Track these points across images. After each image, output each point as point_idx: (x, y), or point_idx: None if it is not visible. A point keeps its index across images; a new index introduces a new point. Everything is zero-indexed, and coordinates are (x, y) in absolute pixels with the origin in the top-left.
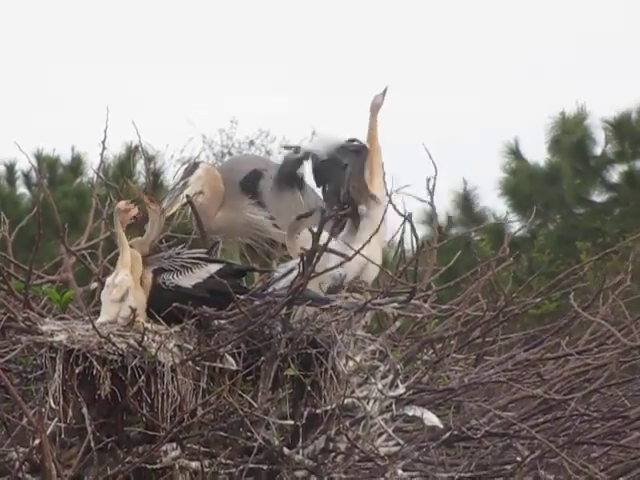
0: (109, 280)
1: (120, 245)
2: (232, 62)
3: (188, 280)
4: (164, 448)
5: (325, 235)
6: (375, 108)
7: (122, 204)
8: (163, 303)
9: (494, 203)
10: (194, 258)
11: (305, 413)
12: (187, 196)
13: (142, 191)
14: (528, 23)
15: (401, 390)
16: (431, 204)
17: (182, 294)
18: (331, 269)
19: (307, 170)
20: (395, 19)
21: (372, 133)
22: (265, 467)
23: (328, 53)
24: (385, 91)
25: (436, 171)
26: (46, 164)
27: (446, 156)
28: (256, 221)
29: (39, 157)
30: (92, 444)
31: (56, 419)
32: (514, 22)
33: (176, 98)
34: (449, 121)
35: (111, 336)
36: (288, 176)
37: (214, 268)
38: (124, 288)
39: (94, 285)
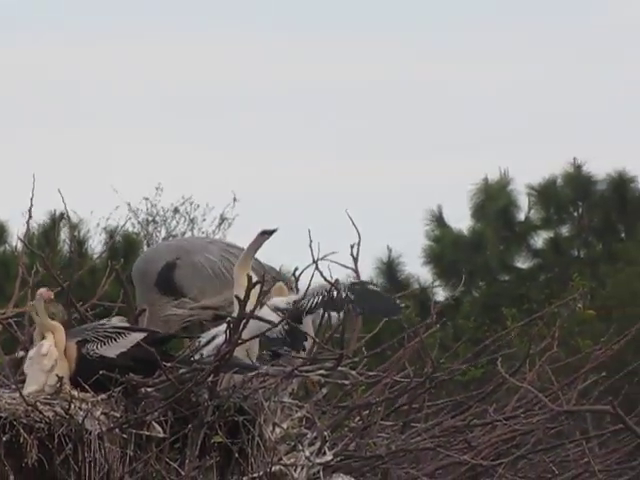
0: (33, 352)
1: (42, 327)
2: (155, 126)
3: (112, 350)
4: None
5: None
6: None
7: (44, 291)
8: (88, 373)
9: (419, 270)
10: (117, 327)
11: None
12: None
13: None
14: (450, 84)
15: (328, 457)
16: (355, 270)
17: (107, 364)
18: (257, 336)
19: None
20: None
21: (244, 268)
22: None
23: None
24: (268, 235)
25: (359, 237)
26: None
27: (370, 223)
28: (182, 315)
29: None
30: None
31: None
32: (439, 85)
33: (101, 165)
34: (373, 187)
35: (38, 404)
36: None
37: (138, 337)
38: (53, 358)
39: (21, 353)
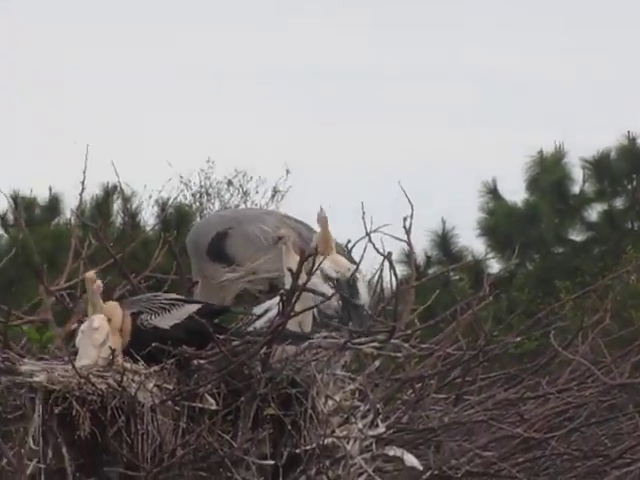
0: (84, 326)
1: (93, 306)
2: (208, 99)
3: (166, 321)
4: None
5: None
6: (324, 222)
7: (90, 274)
8: (142, 344)
9: (473, 243)
10: (171, 299)
11: (285, 453)
12: None
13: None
14: (507, 60)
15: (381, 430)
16: (408, 242)
17: (160, 335)
18: (310, 308)
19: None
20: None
21: (328, 242)
22: None
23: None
24: (322, 208)
25: (412, 210)
26: (23, 205)
27: (424, 195)
28: (237, 278)
29: (15, 198)
30: None
31: (36, 460)
32: (493, 58)
33: (154, 137)
34: (426, 159)
35: (90, 376)
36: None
37: (192, 308)
38: (104, 332)
39: (74, 326)
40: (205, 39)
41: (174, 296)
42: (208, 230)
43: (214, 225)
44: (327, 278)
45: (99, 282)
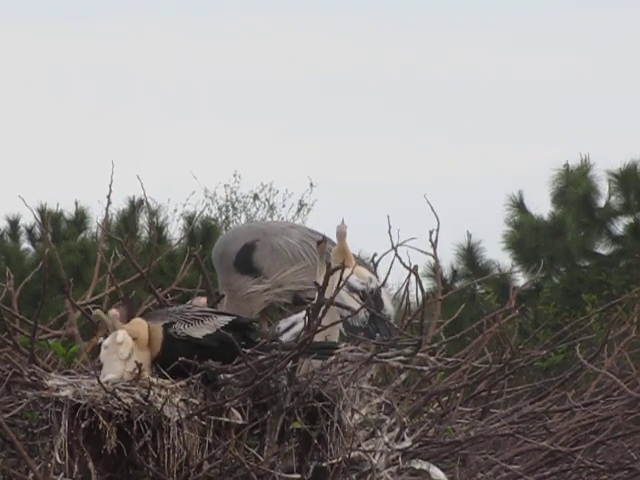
0: (107, 341)
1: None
2: (233, 113)
3: (199, 331)
4: None
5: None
6: (342, 235)
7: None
8: (174, 354)
9: (499, 256)
10: (204, 311)
11: (312, 467)
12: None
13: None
14: (531, 69)
15: (407, 443)
16: (434, 256)
17: (193, 345)
18: (338, 322)
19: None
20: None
21: (347, 255)
22: None
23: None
24: (343, 221)
25: (438, 223)
26: (50, 219)
27: (450, 209)
28: (264, 290)
29: (42, 212)
30: None
31: (62, 474)
32: (517, 70)
33: (178, 150)
34: (452, 173)
35: (117, 391)
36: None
37: (224, 320)
38: (129, 346)
39: (100, 340)
40: (232, 53)
41: (206, 308)
42: (235, 241)
43: (242, 236)
44: (352, 290)
45: (114, 311)
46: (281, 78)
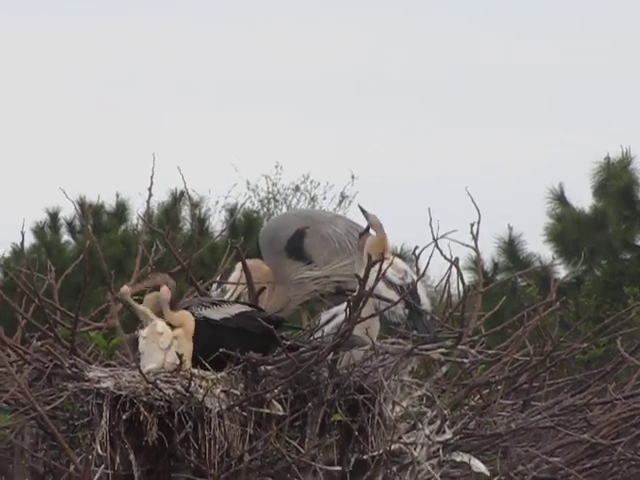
0: (146, 331)
1: (146, 317)
2: (274, 105)
3: (217, 314)
4: None
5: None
6: (379, 227)
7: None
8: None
9: (540, 249)
10: (223, 300)
11: (352, 459)
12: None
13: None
14: (574, 64)
15: (448, 436)
16: (475, 249)
17: (211, 326)
18: (377, 314)
19: None
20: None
21: (385, 247)
22: None
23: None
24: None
25: (479, 216)
26: (91, 211)
27: (491, 201)
28: (312, 278)
29: (82, 204)
30: None
31: (103, 466)
32: (564, 63)
33: (219, 142)
34: (493, 165)
35: (158, 382)
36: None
37: (242, 307)
38: (169, 336)
39: (140, 332)
40: (272, 44)
41: (226, 299)
42: (287, 226)
43: (293, 222)
44: (390, 284)
45: (165, 289)
46: (325, 70)
